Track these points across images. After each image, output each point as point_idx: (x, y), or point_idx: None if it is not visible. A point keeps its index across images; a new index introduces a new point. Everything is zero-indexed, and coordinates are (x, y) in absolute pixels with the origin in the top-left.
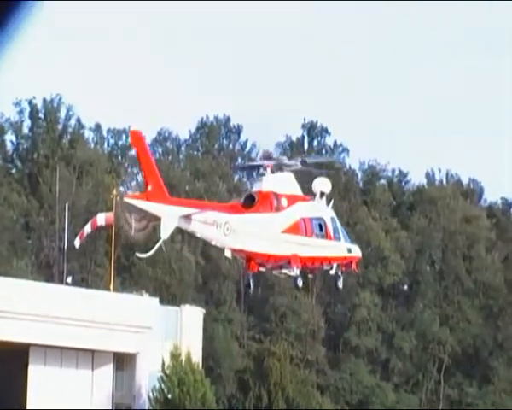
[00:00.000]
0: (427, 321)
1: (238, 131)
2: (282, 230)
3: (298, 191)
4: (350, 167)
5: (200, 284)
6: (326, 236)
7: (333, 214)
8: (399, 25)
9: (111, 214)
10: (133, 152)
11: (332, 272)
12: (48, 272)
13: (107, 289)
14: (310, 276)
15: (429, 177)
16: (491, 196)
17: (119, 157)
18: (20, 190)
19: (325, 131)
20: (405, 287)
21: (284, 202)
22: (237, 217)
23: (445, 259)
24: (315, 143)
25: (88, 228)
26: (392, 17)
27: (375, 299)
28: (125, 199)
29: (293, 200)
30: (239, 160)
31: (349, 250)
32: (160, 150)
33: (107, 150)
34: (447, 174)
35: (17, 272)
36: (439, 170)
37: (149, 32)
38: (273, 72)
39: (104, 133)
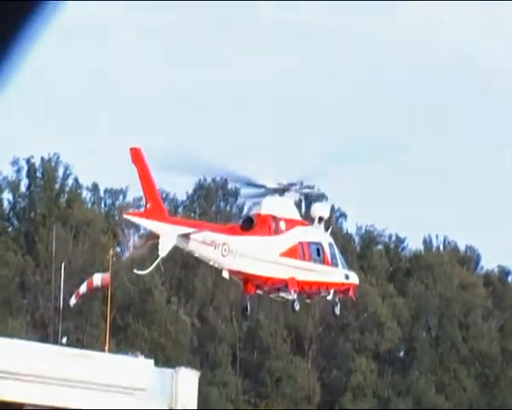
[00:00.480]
0: (423, 388)
1: (235, 194)
2: (279, 253)
3: (296, 216)
4: (347, 232)
5: (195, 346)
6: (324, 261)
7: (331, 240)
8: (398, 89)
9: (107, 275)
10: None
11: (329, 297)
12: (43, 331)
13: (103, 350)
14: (308, 301)
15: (426, 243)
16: (488, 263)
17: (116, 217)
18: (16, 248)
19: (322, 196)
20: (401, 353)
21: (283, 225)
22: (235, 238)
23: (441, 326)
24: None
25: (84, 288)
26: (391, 81)
27: (371, 365)
28: (125, 216)
29: (291, 224)
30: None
31: (346, 277)
32: None
33: (104, 210)
34: (444, 241)
35: (12, 332)
36: (437, 236)
37: (142, 97)
38: (270, 135)
39: (101, 193)
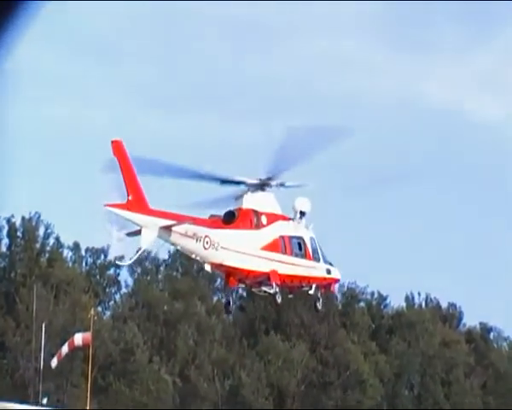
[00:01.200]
0: None
1: None
2: (261, 246)
3: (278, 211)
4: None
5: (177, 405)
6: (305, 255)
7: (312, 235)
8: (384, 148)
9: (88, 335)
10: (111, 271)
11: (311, 292)
12: (23, 392)
13: None
14: (290, 296)
15: (408, 300)
16: (470, 320)
17: (97, 276)
18: None
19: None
20: None
21: (264, 219)
22: (217, 232)
23: (423, 383)
24: None
25: (65, 349)
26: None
27: None
28: (107, 207)
29: (273, 218)
30: (218, 280)
31: (328, 271)
32: (138, 270)
33: (85, 269)
34: (426, 298)
35: None
36: (419, 294)
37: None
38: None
39: (83, 252)
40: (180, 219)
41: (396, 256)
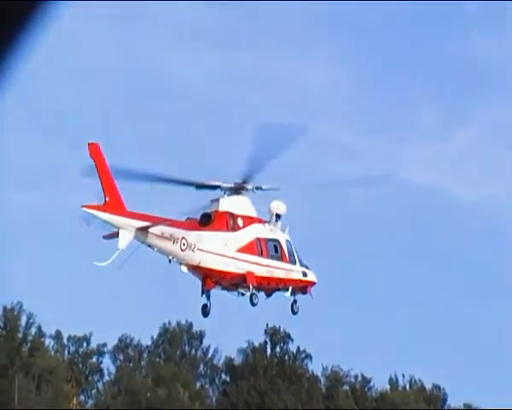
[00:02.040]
0: None
1: (200, 337)
2: (237, 248)
3: (253, 213)
4: (313, 373)
5: None
6: (281, 257)
7: (288, 238)
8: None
9: None
10: (93, 360)
11: (287, 294)
12: None
13: None
14: (266, 299)
15: (392, 382)
16: (455, 401)
17: (80, 365)
18: None
19: (288, 336)
20: None
21: (240, 222)
22: (194, 233)
23: None
24: (277, 348)
25: None
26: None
27: None
28: (83, 208)
29: (249, 221)
30: (201, 366)
31: (304, 274)
32: (121, 357)
33: (68, 358)
34: (410, 380)
35: None
36: (403, 375)
37: None
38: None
39: (65, 341)
40: (156, 221)
41: (380, 338)
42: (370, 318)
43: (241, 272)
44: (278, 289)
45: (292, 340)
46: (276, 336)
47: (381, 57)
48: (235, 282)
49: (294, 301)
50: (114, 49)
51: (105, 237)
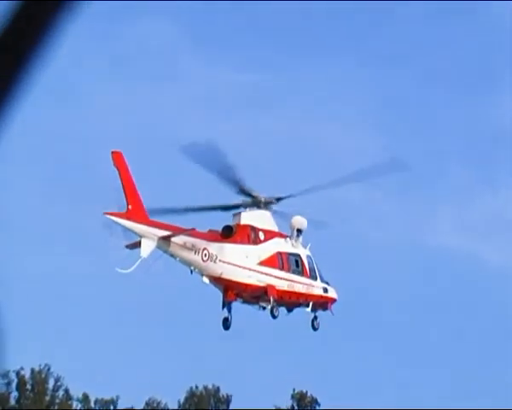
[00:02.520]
0: None
1: (227, 401)
2: (258, 261)
3: (275, 228)
4: None
5: None
6: (302, 272)
7: (309, 253)
8: None
9: None
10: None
11: (308, 309)
12: None
13: None
14: (287, 314)
15: None
16: None
17: None
18: None
19: (315, 401)
20: None
21: (261, 235)
22: (216, 245)
23: None
24: None
25: None
26: None
27: None
28: (106, 215)
29: (270, 235)
30: None
31: (325, 290)
32: None
33: None
34: None
35: None
36: None
37: None
38: None
39: (92, 404)
40: (179, 231)
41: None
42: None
43: (262, 284)
44: (299, 305)
45: (319, 405)
46: (304, 400)
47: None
48: (256, 295)
49: (315, 318)
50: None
51: (128, 247)
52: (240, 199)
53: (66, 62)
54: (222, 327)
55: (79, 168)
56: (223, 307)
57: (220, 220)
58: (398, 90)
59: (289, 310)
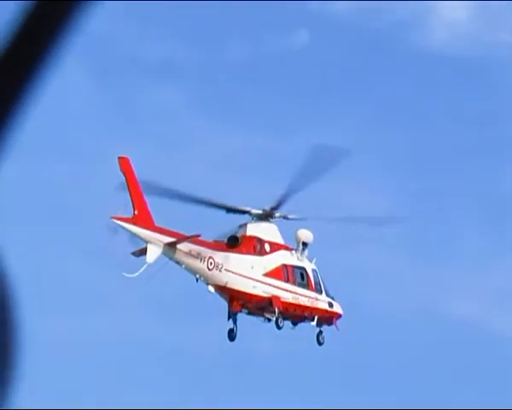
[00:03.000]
0: None
1: None
2: (263, 273)
3: (281, 240)
4: None
5: None
6: (308, 286)
7: (315, 267)
8: None
9: None
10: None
11: (313, 323)
12: None
13: None
14: (292, 327)
15: None
16: None
17: None
18: None
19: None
20: None
21: (267, 247)
22: (221, 254)
23: None
24: None
25: None
26: None
27: None
28: (113, 219)
29: (276, 247)
30: None
31: (330, 305)
32: None
33: None
34: None
35: None
36: None
37: None
38: None
39: None
40: (184, 238)
41: None
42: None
43: (267, 295)
44: (304, 319)
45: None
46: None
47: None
48: (261, 305)
49: (320, 332)
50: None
51: (134, 254)
52: (249, 206)
53: (79, 126)
54: (227, 338)
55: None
56: (228, 318)
57: (222, 223)
58: (409, 148)
59: (294, 324)
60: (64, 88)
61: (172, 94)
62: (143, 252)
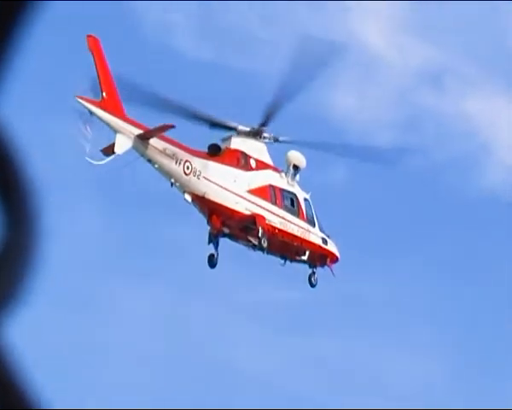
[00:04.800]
0: None
1: None
2: (247, 189)
3: (269, 161)
4: None
5: None
6: (298, 214)
7: (307, 197)
8: None
9: None
10: None
11: (304, 258)
12: None
13: None
14: (282, 264)
15: None
16: None
17: None
18: None
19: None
20: None
21: (253, 163)
22: (200, 160)
23: None
24: None
25: None
26: None
27: None
28: (78, 99)
29: (262, 165)
30: None
31: (324, 241)
32: None
33: None
34: None
35: None
36: None
37: None
38: None
39: None
40: (158, 134)
41: None
42: None
43: (250, 213)
44: (294, 253)
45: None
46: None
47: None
48: (244, 224)
49: (313, 273)
50: None
51: (103, 152)
52: (237, 122)
53: None
54: (207, 264)
55: None
56: (209, 242)
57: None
58: None
59: (283, 258)
60: None
61: None
62: (112, 150)
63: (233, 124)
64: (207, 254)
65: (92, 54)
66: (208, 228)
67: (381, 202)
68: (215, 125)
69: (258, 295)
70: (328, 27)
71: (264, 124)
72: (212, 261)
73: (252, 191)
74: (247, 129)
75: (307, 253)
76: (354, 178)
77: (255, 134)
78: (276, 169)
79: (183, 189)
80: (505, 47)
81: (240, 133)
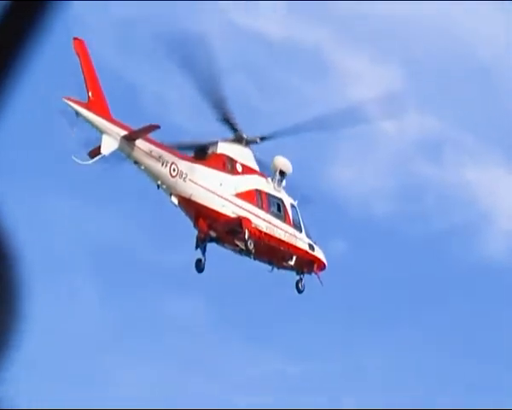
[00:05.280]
0: None
1: None
2: (234, 193)
3: (255, 167)
4: None
5: None
6: (284, 219)
7: (294, 203)
8: None
9: None
10: None
11: (291, 263)
12: None
13: None
14: (269, 270)
15: None
16: None
17: None
18: None
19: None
20: None
21: (239, 167)
22: (186, 163)
23: None
24: None
25: None
26: None
27: None
28: (64, 100)
29: (249, 170)
30: None
31: (311, 247)
32: None
33: None
34: None
35: None
36: None
37: None
38: None
39: None
40: (143, 131)
41: None
42: None
43: (236, 216)
44: (280, 258)
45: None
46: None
47: None
48: (230, 227)
49: (300, 279)
50: None
51: (90, 155)
52: (221, 129)
53: None
54: (195, 269)
55: None
56: (196, 247)
57: None
58: None
59: (271, 264)
60: None
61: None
62: (98, 152)
63: (215, 140)
64: (195, 260)
65: (78, 56)
66: (195, 232)
67: (381, 271)
68: (200, 149)
69: None
70: (328, 97)
71: (234, 127)
72: (199, 267)
73: (238, 195)
74: (231, 138)
75: (294, 258)
76: (355, 248)
77: (239, 140)
78: (262, 175)
79: (170, 191)
80: (502, 117)
81: (225, 140)
